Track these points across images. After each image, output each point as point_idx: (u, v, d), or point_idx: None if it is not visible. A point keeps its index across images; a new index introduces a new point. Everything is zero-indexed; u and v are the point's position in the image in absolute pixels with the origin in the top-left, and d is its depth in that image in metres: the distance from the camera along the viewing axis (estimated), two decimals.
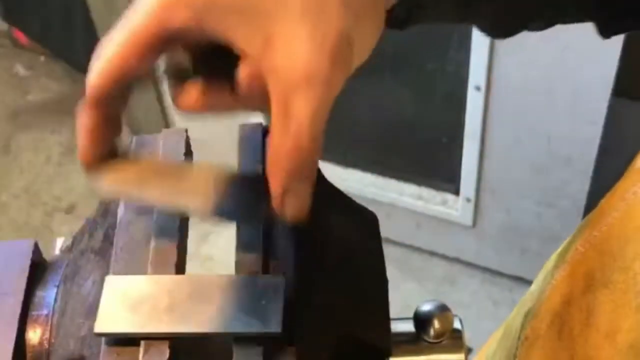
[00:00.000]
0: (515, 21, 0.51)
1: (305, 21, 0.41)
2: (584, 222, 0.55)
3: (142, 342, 0.42)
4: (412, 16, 0.48)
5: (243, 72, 0.43)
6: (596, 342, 0.44)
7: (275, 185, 0.42)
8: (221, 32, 0.42)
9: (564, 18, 0.52)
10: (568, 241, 0.57)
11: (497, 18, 0.50)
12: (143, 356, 0.41)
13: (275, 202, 0.43)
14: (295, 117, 0.41)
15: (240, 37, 0.41)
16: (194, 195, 0.44)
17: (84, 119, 0.44)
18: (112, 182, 0.45)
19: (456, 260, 1.96)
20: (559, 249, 0.59)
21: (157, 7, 0.42)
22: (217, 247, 2.03)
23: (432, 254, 1.98)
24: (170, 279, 0.44)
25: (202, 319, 0.42)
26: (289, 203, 0.43)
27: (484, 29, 0.52)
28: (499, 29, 0.52)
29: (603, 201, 0.51)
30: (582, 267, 0.49)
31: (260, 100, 0.44)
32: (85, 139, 0.45)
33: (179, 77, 0.46)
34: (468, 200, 1.79)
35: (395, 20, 0.47)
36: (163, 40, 0.42)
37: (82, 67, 2.43)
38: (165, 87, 2.32)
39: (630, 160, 0.49)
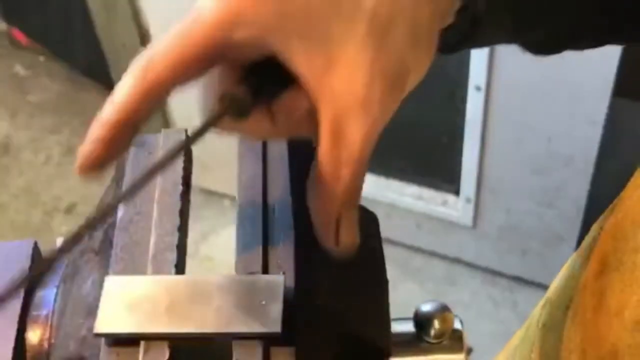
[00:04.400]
0: (565, 40, 0.50)
1: (368, 46, 0.40)
2: (606, 212, 0.56)
3: (142, 342, 0.41)
4: (463, 41, 0.46)
5: (291, 95, 0.43)
6: (606, 321, 0.44)
7: (328, 214, 0.42)
8: (282, 52, 0.41)
9: (616, 38, 0.51)
10: (593, 229, 0.58)
11: (548, 37, 0.49)
12: (143, 356, 0.41)
13: (326, 233, 0.42)
14: (348, 143, 0.41)
15: (301, 59, 0.41)
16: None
17: (101, 128, 0.41)
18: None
19: (456, 260, 1.96)
20: (589, 238, 0.60)
21: (221, 17, 0.40)
22: (217, 247, 2.03)
23: (432, 254, 1.98)
24: (169, 279, 0.44)
25: (202, 319, 0.42)
26: (344, 231, 0.42)
27: (530, 49, 0.50)
28: (547, 49, 0.50)
29: (622, 192, 0.51)
30: (598, 253, 0.50)
31: (300, 127, 0.44)
32: (97, 149, 0.42)
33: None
34: (468, 200, 1.79)
35: (445, 44, 0.45)
36: (218, 53, 0.41)
37: (81, 67, 2.42)
38: None
39: (630, 160, 0.49)
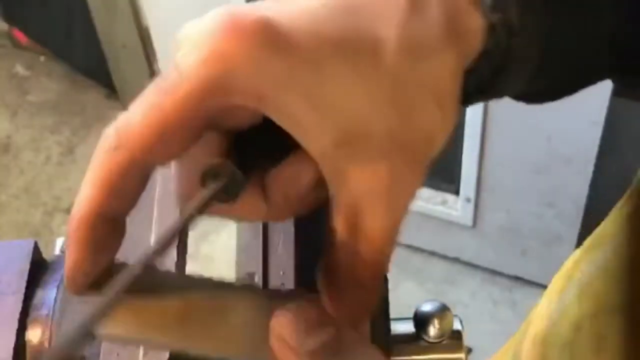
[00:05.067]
0: (572, 85, 0.44)
1: (391, 118, 0.32)
2: (588, 243, 0.54)
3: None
4: (481, 90, 0.39)
5: (291, 166, 0.35)
6: None
7: (351, 318, 0.35)
8: (285, 122, 0.32)
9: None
10: (574, 260, 0.56)
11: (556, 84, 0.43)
12: (143, 357, 0.41)
13: (352, 324, 0.35)
14: (367, 238, 0.34)
15: (310, 132, 0.32)
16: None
17: (75, 229, 0.33)
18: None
19: (456, 260, 1.96)
20: (563, 269, 0.58)
21: (212, 81, 0.31)
22: (217, 247, 2.03)
23: (432, 253, 1.98)
24: (183, 279, 0.40)
25: (214, 339, 0.36)
26: (364, 320, 0.37)
27: (530, 98, 0.44)
28: (553, 96, 0.44)
29: (606, 224, 0.50)
30: (590, 289, 0.48)
31: (301, 205, 0.36)
32: (77, 254, 0.34)
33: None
34: (468, 200, 1.79)
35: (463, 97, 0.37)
36: (206, 124, 0.32)
37: (82, 67, 2.43)
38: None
39: (630, 160, 0.49)
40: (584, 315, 0.48)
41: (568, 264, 0.56)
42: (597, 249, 0.50)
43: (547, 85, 0.42)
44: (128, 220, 0.38)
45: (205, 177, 0.33)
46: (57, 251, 0.53)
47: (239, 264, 0.46)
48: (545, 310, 0.57)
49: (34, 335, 0.45)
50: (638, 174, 0.49)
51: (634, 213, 0.46)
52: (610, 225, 0.50)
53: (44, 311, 0.46)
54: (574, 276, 0.53)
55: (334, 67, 0.32)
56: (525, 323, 0.64)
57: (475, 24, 0.35)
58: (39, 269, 0.49)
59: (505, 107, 1.58)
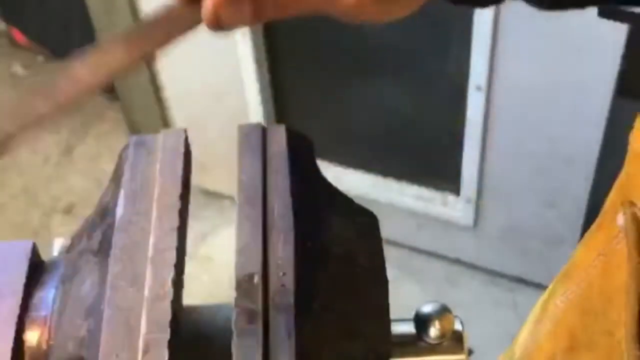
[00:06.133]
0: None
1: None
2: (563, 273, 0.54)
3: (141, 344, 0.41)
4: None
5: None
6: None
7: None
8: None
9: None
10: (550, 290, 0.56)
11: None
12: (142, 357, 0.41)
13: None
14: None
15: None
16: None
17: None
18: None
19: (457, 261, 1.96)
20: (545, 294, 0.57)
21: None
22: (216, 248, 2.03)
23: (433, 254, 1.98)
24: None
25: None
26: None
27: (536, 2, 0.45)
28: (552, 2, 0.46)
29: (579, 252, 0.50)
30: (564, 325, 0.48)
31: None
32: None
33: None
34: (469, 200, 1.79)
35: None
36: None
37: None
38: (165, 85, 2.29)
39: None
40: (556, 352, 0.48)
41: (549, 289, 0.56)
42: (571, 281, 0.50)
43: None
44: (127, 221, 0.38)
45: None
46: (55, 252, 0.53)
47: (238, 264, 0.46)
48: (524, 336, 0.57)
49: (32, 336, 0.45)
50: (604, 205, 0.49)
51: (606, 248, 0.46)
52: (583, 255, 0.49)
53: (42, 312, 0.46)
54: (548, 307, 0.53)
55: None
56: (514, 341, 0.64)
57: None
58: (37, 270, 0.49)
59: (506, 107, 1.58)
